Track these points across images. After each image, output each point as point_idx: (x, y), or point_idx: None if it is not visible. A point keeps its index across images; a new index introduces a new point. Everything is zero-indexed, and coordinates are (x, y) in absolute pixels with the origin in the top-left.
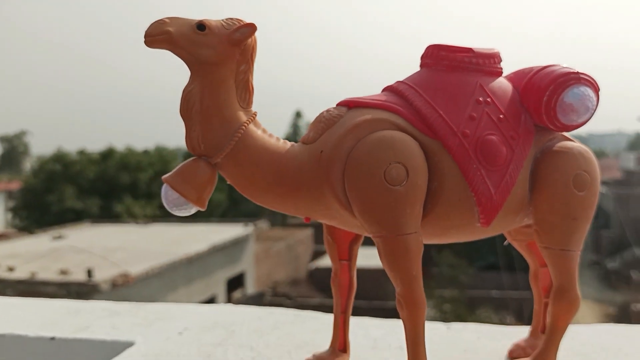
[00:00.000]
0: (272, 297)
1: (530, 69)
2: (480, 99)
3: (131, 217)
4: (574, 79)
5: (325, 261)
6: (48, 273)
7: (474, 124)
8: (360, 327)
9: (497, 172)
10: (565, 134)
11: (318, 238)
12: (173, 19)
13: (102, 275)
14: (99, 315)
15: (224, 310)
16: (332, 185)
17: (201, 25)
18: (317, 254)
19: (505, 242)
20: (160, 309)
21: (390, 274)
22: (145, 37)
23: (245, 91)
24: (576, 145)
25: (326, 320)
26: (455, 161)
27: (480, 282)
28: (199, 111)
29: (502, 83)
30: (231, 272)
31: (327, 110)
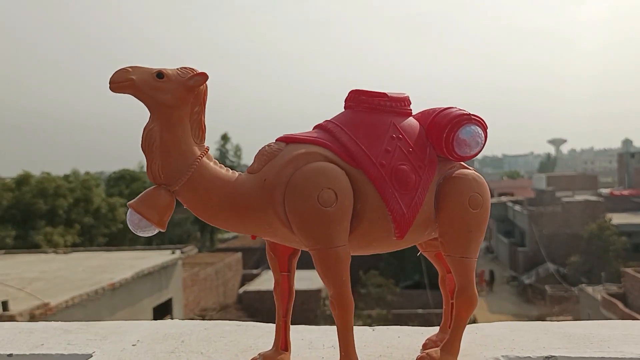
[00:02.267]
0: None
1: (433, 110)
2: (394, 135)
3: (51, 245)
4: (466, 119)
5: (255, 285)
6: None
7: (389, 156)
8: (297, 332)
9: (408, 195)
10: (463, 163)
11: (247, 262)
12: (135, 68)
13: (19, 307)
14: (52, 334)
15: (172, 324)
16: (274, 208)
17: (160, 74)
18: (246, 278)
19: (418, 253)
20: (111, 325)
21: (324, 280)
22: (110, 83)
23: (199, 129)
24: (470, 172)
25: (265, 328)
26: (374, 186)
27: (407, 300)
28: (159, 146)
29: (411, 122)
30: (158, 299)
31: (269, 145)
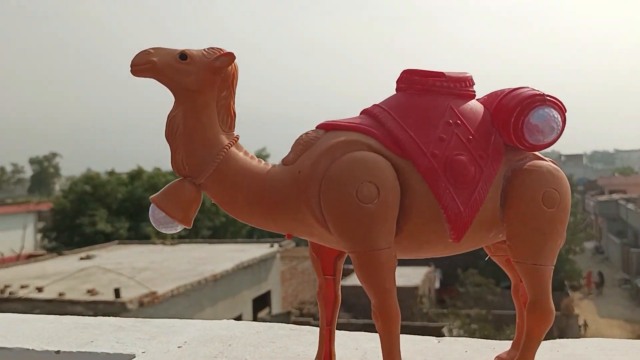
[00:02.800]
0: (298, 317)
1: (502, 91)
2: (450, 120)
3: (160, 237)
4: (540, 100)
5: (353, 280)
6: (76, 293)
7: (443, 145)
8: (353, 340)
9: (465, 190)
10: (537, 153)
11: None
12: (157, 49)
13: (130, 294)
14: (104, 330)
15: (226, 325)
16: (309, 204)
17: (183, 55)
18: (344, 273)
19: (487, 257)
20: (164, 324)
21: (365, 287)
22: (131, 66)
23: (227, 115)
24: (545, 164)
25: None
26: (424, 180)
27: (509, 301)
28: (182, 134)
29: (473, 105)
30: (257, 291)
31: (306, 133)
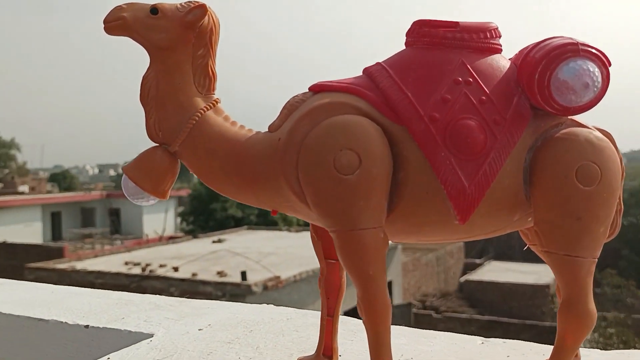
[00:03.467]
0: (420, 309)
1: (531, 45)
2: (460, 78)
3: (286, 224)
4: (572, 50)
5: (477, 275)
6: (207, 274)
7: (447, 107)
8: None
9: (472, 162)
10: (577, 118)
11: (468, 251)
12: (130, 5)
13: (255, 278)
14: (142, 308)
15: (260, 310)
16: (286, 176)
17: (154, 9)
18: (469, 267)
19: (525, 247)
20: (204, 305)
21: (348, 273)
22: (103, 23)
23: (205, 77)
24: (585, 131)
25: (358, 325)
26: (420, 149)
27: None
28: (155, 97)
29: (494, 61)
30: None
31: (295, 96)
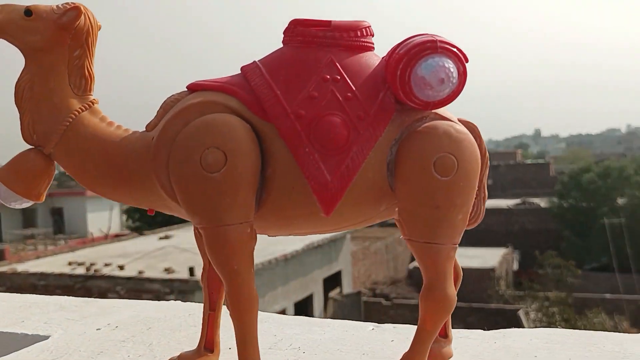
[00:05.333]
0: (370, 297)
1: (398, 44)
2: (328, 76)
3: None
4: (430, 48)
5: None
6: (154, 271)
7: (313, 104)
8: (276, 324)
9: (335, 156)
10: (441, 112)
11: None
12: (2, 7)
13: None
14: (45, 310)
15: (167, 307)
16: (157, 174)
17: (28, 11)
18: None
19: (401, 237)
20: (109, 304)
21: (215, 267)
22: None
23: (81, 77)
24: (445, 124)
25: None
26: (286, 145)
27: (592, 284)
28: (29, 99)
29: (363, 58)
30: (328, 271)
31: (172, 95)
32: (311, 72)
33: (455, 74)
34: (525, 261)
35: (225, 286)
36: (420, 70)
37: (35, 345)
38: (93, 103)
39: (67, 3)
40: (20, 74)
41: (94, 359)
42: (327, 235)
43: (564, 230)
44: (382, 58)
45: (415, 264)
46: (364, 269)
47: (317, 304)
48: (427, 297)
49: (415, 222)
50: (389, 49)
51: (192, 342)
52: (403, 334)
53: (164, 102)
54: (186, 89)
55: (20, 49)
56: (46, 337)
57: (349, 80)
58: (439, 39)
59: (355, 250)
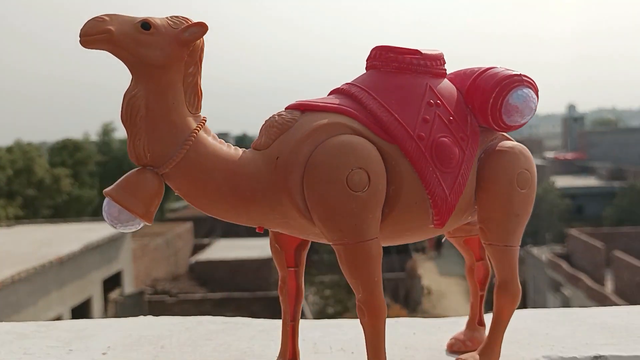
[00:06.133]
0: (152, 294)
1: (472, 70)
2: (431, 101)
3: None
4: (518, 81)
5: (206, 255)
6: None
7: (428, 127)
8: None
9: (451, 174)
10: (505, 133)
11: (197, 231)
12: (113, 17)
13: None
14: (4, 340)
15: (148, 324)
16: (289, 192)
17: (146, 24)
18: (198, 248)
19: (444, 240)
20: (75, 326)
21: (351, 280)
22: (81, 36)
23: (194, 95)
24: (517, 144)
25: (257, 327)
26: (412, 164)
27: None
28: (145, 117)
29: (448, 85)
30: (108, 271)
31: (279, 114)
32: (418, 97)
33: (536, 103)
34: None
35: (364, 297)
36: (513, 100)
37: None
38: (204, 121)
39: (181, 17)
40: (129, 90)
41: None
42: (106, 234)
43: None
44: (452, 84)
45: (196, 257)
46: (144, 267)
47: (97, 307)
48: (505, 292)
49: (498, 229)
50: (454, 76)
51: (228, 355)
52: (416, 327)
53: (273, 121)
54: (297, 109)
55: (129, 64)
56: None
57: (446, 105)
58: (521, 73)
59: (135, 247)
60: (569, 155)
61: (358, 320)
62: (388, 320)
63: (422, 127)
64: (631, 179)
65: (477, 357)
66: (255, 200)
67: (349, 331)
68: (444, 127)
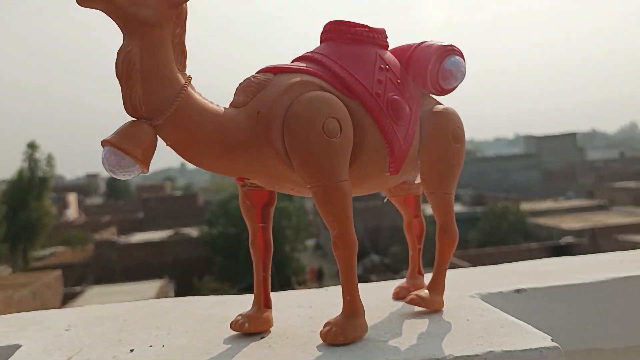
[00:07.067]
0: None
1: (408, 45)
2: (382, 66)
3: None
4: (450, 50)
5: (79, 303)
6: None
7: (382, 86)
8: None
9: (403, 126)
10: (437, 98)
11: (67, 279)
12: None
13: None
14: None
15: (99, 308)
16: (270, 142)
17: None
18: (68, 297)
19: (385, 199)
20: (29, 316)
21: (327, 218)
22: None
23: (181, 54)
24: (449, 107)
25: (212, 300)
26: (372, 117)
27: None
28: (140, 71)
29: (391, 55)
30: None
31: (254, 76)
32: (370, 62)
33: (466, 69)
34: (181, 289)
35: (339, 233)
36: (447, 65)
37: (18, 352)
38: (190, 78)
39: None
40: (124, 47)
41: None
42: None
43: (215, 257)
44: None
45: (69, 307)
46: None
47: None
48: (445, 235)
49: (438, 178)
50: (393, 51)
51: (192, 319)
52: (361, 287)
53: (248, 81)
54: (269, 72)
55: (122, 22)
56: (17, 346)
57: (393, 70)
58: (451, 43)
59: None
60: None
61: (309, 290)
62: (333, 288)
63: (378, 87)
64: (490, 204)
65: (427, 290)
66: (238, 150)
67: (301, 294)
68: (395, 87)
